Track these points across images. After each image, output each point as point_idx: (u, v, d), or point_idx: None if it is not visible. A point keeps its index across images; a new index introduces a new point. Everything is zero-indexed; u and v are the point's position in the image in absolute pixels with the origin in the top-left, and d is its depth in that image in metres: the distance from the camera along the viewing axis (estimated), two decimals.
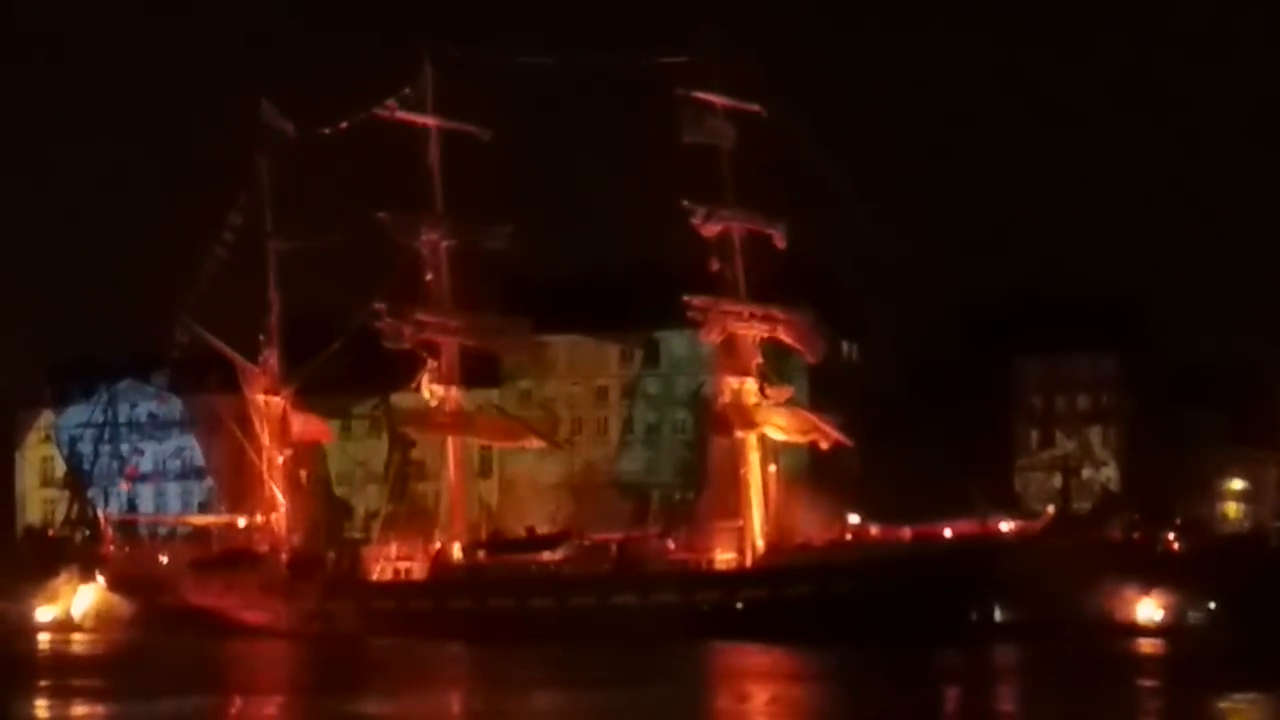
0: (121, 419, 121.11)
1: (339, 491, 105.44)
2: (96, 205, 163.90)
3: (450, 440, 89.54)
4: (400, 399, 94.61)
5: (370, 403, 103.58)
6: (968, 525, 79.16)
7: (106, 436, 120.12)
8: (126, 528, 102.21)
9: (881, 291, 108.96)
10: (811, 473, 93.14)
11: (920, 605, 73.20)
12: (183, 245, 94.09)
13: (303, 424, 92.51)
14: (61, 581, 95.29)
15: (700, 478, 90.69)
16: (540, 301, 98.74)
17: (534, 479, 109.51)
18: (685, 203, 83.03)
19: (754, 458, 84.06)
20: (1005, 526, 79.92)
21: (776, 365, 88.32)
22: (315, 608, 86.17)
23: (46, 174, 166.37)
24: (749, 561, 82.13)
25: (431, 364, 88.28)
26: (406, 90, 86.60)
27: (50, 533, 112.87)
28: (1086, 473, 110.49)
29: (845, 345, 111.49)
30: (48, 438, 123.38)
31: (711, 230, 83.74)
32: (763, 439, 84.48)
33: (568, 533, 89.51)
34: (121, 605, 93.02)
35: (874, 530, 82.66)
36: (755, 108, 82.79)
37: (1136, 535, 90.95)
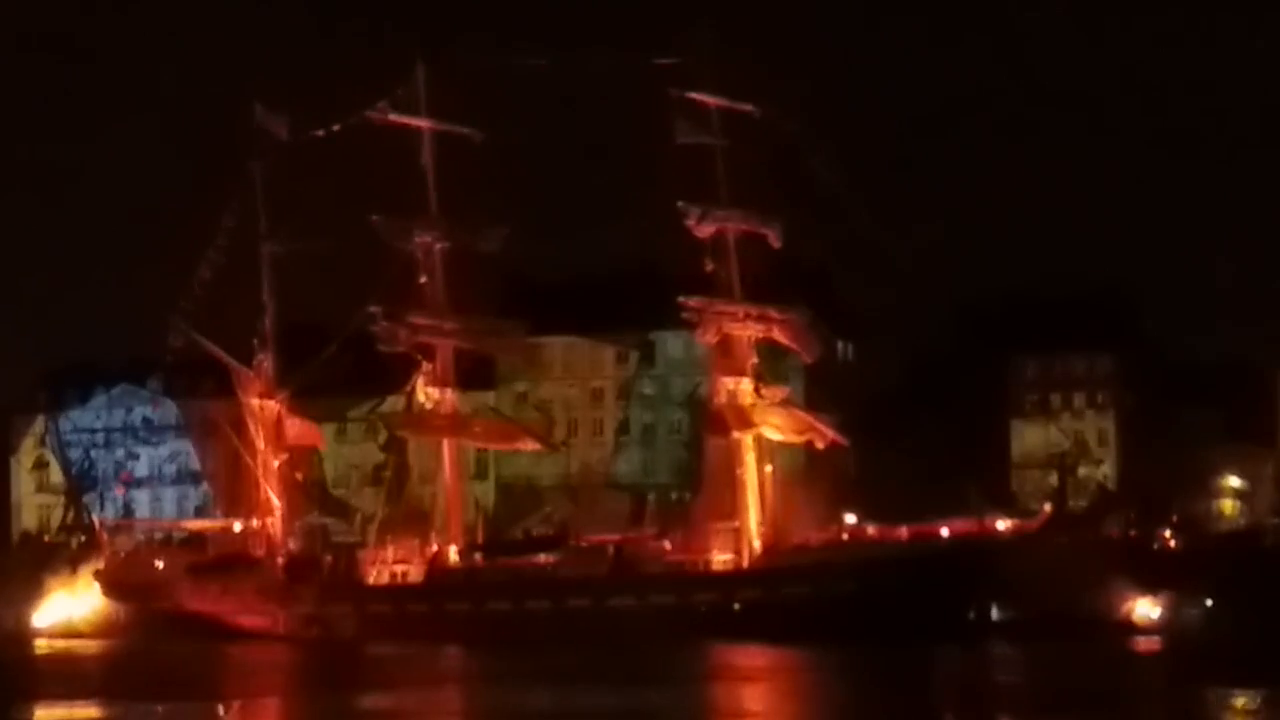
0: (117, 424, 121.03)
1: (335, 495, 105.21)
2: (90, 209, 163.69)
3: (446, 443, 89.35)
4: (395, 402, 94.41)
5: (366, 406, 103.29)
6: (965, 524, 79.14)
7: (102, 441, 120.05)
8: (122, 533, 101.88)
9: (877, 290, 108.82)
10: (808, 473, 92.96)
11: (918, 604, 73.03)
12: (177, 249, 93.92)
13: (297, 428, 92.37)
14: (57, 587, 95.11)
15: (696, 479, 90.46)
16: (535, 303, 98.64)
17: (530, 481, 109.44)
18: (680, 203, 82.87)
19: (750, 458, 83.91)
20: (1002, 525, 79.91)
21: (772, 365, 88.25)
22: (312, 612, 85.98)
23: (40, 178, 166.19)
24: (746, 562, 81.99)
25: (426, 367, 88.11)
26: (399, 92, 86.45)
27: (46, 538, 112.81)
28: (1083, 471, 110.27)
29: (841, 345, 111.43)
30: (43, 443, 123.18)
31: (706, 231, 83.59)
32: (759, 439, 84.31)
33: (564, 535, 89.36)
34: (117, 610, 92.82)
35: (871, 530, 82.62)
36: (749, 107, 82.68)
37: (1133, 533, 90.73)
